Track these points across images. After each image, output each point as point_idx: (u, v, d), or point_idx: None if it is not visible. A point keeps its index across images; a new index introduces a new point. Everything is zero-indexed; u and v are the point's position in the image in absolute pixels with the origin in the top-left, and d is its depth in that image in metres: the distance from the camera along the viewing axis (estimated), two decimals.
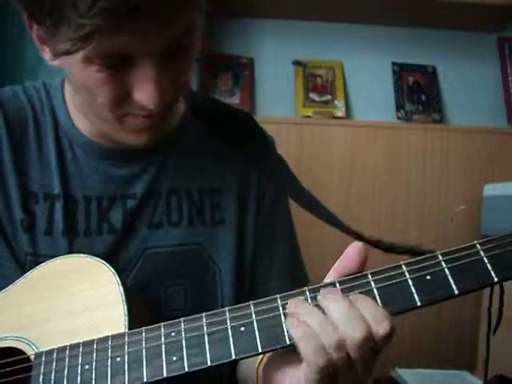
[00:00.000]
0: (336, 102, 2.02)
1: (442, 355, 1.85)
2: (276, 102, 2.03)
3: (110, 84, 0.59)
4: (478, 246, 0.51)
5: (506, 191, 1.72)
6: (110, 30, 0.52)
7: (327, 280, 0.54)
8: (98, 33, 0.52)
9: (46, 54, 0.63)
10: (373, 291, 0.51)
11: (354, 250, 0.53)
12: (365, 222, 1.89)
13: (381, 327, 0.48)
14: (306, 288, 0.53)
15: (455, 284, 0.50)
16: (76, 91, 0.68)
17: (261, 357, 0.60)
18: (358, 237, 0.68)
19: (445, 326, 1.88)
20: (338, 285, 0.52)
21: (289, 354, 0.52)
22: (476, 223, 1.86)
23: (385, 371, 1.60)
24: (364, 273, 0.52)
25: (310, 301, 0.52)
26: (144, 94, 0.59)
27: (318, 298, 0.51)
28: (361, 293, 0.51)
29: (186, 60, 0.63)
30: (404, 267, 0.51)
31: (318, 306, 0.51)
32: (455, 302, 1.81)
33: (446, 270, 0.50)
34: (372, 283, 0.51)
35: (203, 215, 0.77)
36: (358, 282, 0.52)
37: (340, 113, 2.01)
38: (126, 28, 0.53)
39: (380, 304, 0.50)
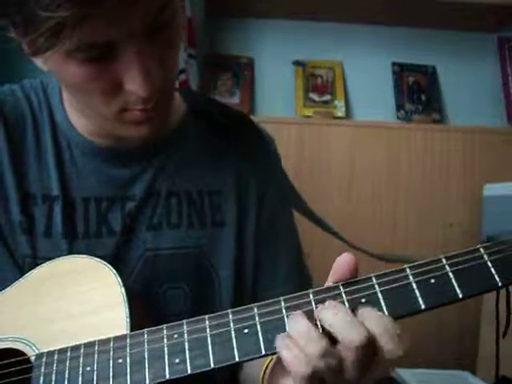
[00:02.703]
0: (336, 101, 2.02)
1: (442, 355, 1.85)
2: (276, 102, 2.03)
3: (98, 78, 0.58)
4: (481, 249, 0.51)
5: (506, 191, 1.72)
6: (80, 19, 0.50)
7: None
8: (67, 24, 0.49)
9: (38, 61, 0.62)
10: (377, 294, 0.51)
11: (342, 261, 0.52)
12: (365, 222, 1.89)
13: (381, 333, 0.48)
14: (310, 291, 0.52)
15: (459, 288, 0.50)
16: (72, 94, 0.66)
17: (266, 365, 0.60)
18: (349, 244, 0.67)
19: (445, 326, 1.88)
20: (341, 288, 0.52)
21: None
22: (476, 223, 1.86)
23: (385, 371, 1.60)
24: (368, 276, 0.52)
25: (314, 304, 0.51)
26: (134, 81, 0.57)
27: (319, 309, 0.50)
28: (365, 296, 0.51)
29: (170, 39, 0.61)
30: (408, 270, 0.51)
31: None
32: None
33: (450, 274, 0.50)
34: (376, 286, 0.51)
35: (203, 217, 0.76)
36: (361, 285, 0.51)
37: (340, 113, 2.01)
38: (97, 15, 0.50)
39: (384, 308, 0.50)
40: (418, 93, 2.05)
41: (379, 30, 2.06)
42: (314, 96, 2.03)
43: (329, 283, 0.53)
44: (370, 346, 0.47)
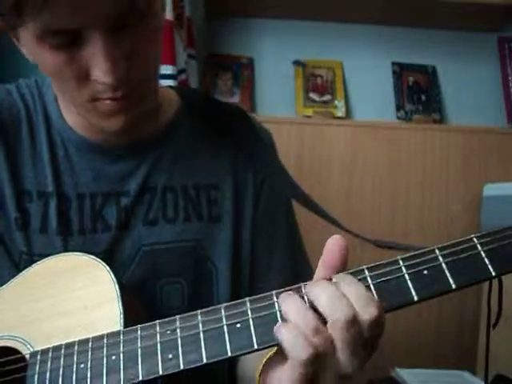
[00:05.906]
0: (336, 101, 2.03)
1: (442, 355, 1.85)
2: (276, 102, 2.03)
3: (67, 65, 0.59)
4: (474, 239, 0.51)
5: (506, 191, 1.72)
6: (43, 4, 0.51)
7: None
8: (28, 4, 0.51)
9: (23, 49, 0.64)
10: (370, 287, 0.50)
11: (332, 244, 0.52)
12: (365, 222, 1.89)
13: (366, 311, 0.47)
14: (301, 284, 0.52)
15: (452, 278, 0.49)
16: (52, 81, 0.68)
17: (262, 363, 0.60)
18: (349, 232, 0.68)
19: (445, 326, 1.88)
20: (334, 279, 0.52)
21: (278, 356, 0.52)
22: (476, 223, 1.86)
23: (385, 371, 1.60)
24: (360, 268, 0.51)
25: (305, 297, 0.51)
26: (98, 68, 0.58)
27: (306, 288, 0.51)
28: None
29: (146, 30, 0.61)
30: (401, 262, 0.51)
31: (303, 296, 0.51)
32: (455, 301, 1.81)
33: (443, 265, 0.50)
34: (369, 279, 0.51)
35: (200, 211, 0.76)
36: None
37: (340, 113, 2.01)
38: (60, 1, 0.52)
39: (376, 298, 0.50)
40: (417, 93, 2.05)
41: (379, 30, 2.06)
42: (313, 96, 2.03)
43: (319, 268, 0.53)
44: (354, 325, 0.47)
